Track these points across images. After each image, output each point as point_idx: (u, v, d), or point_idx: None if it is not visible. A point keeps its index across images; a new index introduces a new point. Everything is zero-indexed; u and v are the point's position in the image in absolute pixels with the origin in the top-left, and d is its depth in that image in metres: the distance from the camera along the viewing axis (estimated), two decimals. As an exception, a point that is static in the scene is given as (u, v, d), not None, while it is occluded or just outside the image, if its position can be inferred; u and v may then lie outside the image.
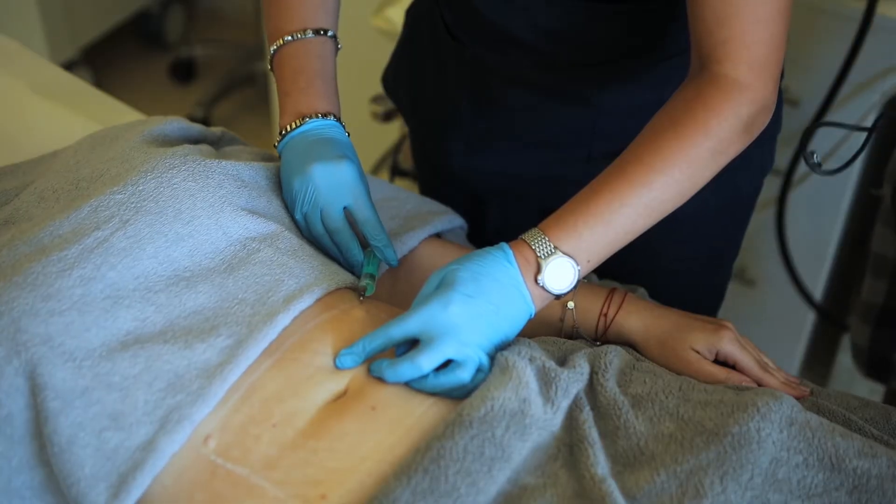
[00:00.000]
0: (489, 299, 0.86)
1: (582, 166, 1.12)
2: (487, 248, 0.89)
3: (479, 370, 0.85)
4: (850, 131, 1.56)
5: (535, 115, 1.11)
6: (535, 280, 0.88)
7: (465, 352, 0.84)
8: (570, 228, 0.88)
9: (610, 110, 1.08)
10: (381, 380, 0.85)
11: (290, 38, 1.05)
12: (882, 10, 1.47)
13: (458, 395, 0.85)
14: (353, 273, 0.99)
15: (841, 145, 1.58)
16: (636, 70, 1.07)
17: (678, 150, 0.89)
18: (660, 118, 0.91)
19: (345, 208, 0.98)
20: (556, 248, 0.88)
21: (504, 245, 0.89)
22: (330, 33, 1.06)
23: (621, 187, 0.89)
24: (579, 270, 0.88)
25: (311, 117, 1.01)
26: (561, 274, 0.88)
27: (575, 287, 0.89)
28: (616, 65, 1.07)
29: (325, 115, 1.01)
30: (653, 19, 1.03)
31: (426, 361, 0.83)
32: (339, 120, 1.02)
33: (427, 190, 1.33)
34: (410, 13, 1.25)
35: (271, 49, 1.06)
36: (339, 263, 1.00)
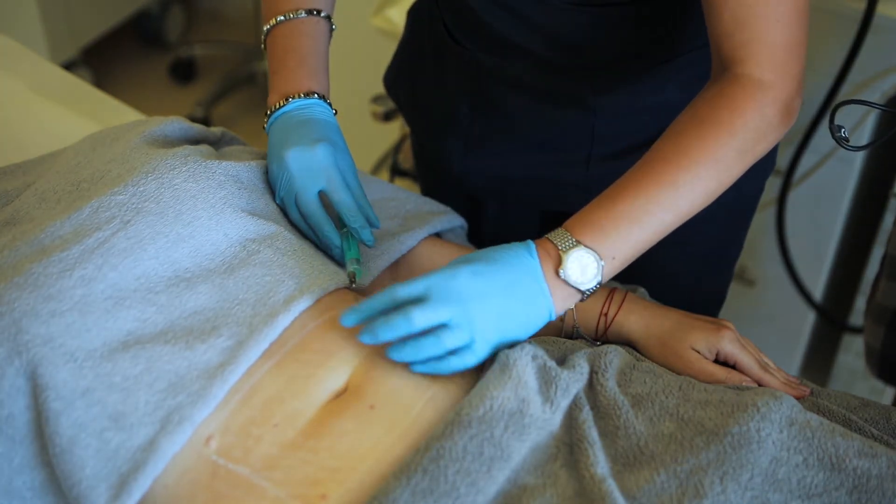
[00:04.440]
0: (499, 279, 0.84)
1: (581, 169, 1.12)
2: (510, 243, 0.88)
3: (468, 349, 0.84)
4: (855, 124, 1.56)
5: (533, 117, 1.11)
6: (557, 274, 0.86)
7: (460, 319, 0.82)
8: (594, 224, 0.87)
9: (608, 113, 1.08)
10: (378, 375, 0.85)
11: (282, 17, 1.05)
12: (882, 10, 1.47)
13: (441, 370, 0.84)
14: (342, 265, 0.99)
15: (850, 134, 1.58)
16: (634, 74, 1.07)
17: (704, 150, 0.88)
18: (684, 118, 0.91)
19: (321, 192, 0.98)
20: (578, 241, 0.86)
21: (528, 241, 0.88)
22: (323, 14, 1.06)
23: (648, 186, 0.88)
24: (603, 266, 0.86)
25: (294, 97, 1.01)
26: (583, 267, 0.86)
27: (599, 285, 0.87)
28: (614, 68, 1.06)
29: (308, 95, 1.01)
30: (649, 23, 1.02)
31: (419, 317, 0.82)
32: (324, 98, 1.02)
33: (427, 190, 1.33)
34: (412, 13, 1.25)
35: (265, 29, 1.06)
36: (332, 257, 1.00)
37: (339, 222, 1.00)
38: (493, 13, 1.06)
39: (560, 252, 0.86)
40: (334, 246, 0.99)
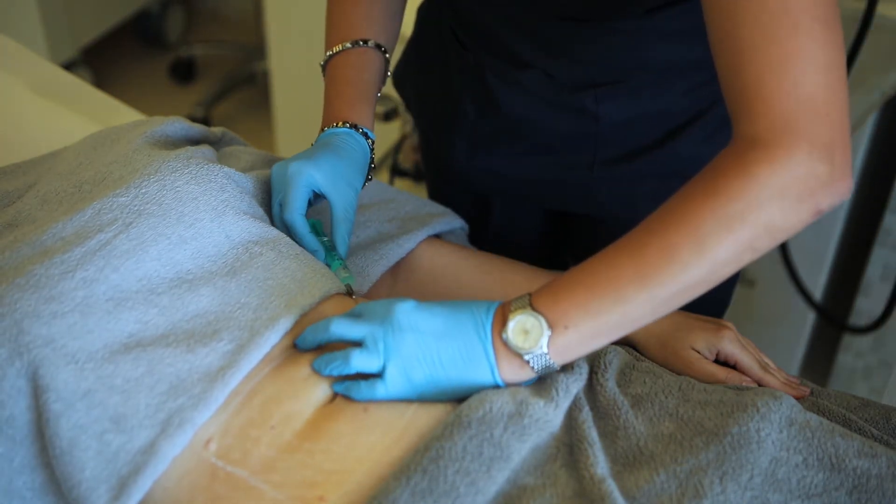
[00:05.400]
0: (442, 321, 0.82)
1: (585, 171, 1.12)
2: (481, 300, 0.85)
3: (380, 379, 0.81)
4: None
5: (537, 122, 1.11)
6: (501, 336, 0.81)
7: (374, 341, 0.81)
8: (553, 289, 0.81)
9: (611, 120, 1.08)
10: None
11: (330, 52, 1.08)
12: (882, 10, 1.47)
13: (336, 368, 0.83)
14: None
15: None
16: (634, 83, 1.06)
17: (676, 212, 0.78)
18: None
19: (309, 202, 0.99)
20: (531, 305, 0.80)
21: (498, 301, 0.84)
22: (371, 43, 1.08)
23: (609, 251, 0.81)
24: (550, 335, 0.79)
25: (328, 127, 1.03)
26: (526, 331, 0.80)
27: (548, 358, 0.81)
28: (616, 79, 1.06)
29: (340, 125, 1.03)
30: (653, 37, 1.02)
31: (338, 325, 0.83)
32: (355, 126, 1.03)
33: (433, 187, 1.34)
34: (421, 12, 1.25)
35: (320, 65, 1.10)
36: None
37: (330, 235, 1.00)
38: (497, 25, 1.06)
39: (509, 313, 0.81)
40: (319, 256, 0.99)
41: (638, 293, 0.78)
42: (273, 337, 0.85)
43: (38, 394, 0.80)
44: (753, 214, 0.75)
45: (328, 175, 0.98)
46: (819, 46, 0.75)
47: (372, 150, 1.05)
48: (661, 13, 0.98)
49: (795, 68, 0.75)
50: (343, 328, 0.83)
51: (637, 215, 0.99)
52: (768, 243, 0.77)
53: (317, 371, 0.84)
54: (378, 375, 0.82)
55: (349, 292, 0.95)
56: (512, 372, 0.82)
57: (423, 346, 0.82)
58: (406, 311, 0.83)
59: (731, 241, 0.76)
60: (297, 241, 0.98)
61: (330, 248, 0.99)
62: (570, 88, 1.07)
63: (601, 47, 1.03)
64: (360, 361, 0.82)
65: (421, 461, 0.77)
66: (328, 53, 1.09)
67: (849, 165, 0.78)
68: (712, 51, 0.80)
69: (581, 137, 1.10)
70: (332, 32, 1.10)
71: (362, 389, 0.82)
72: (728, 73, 0.79)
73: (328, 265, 0.98)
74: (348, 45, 1.08)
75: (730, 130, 0.80)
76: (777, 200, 0.75)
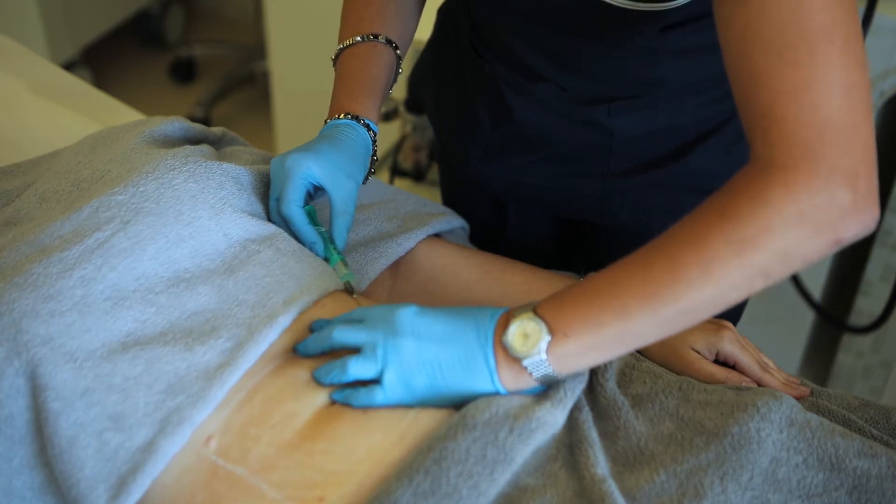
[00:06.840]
0: (443, 327, 0.82)
1: (597, 181, 1.12)
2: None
3: (379, 385, 0.81)
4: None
5: (551, 133, 1.10)
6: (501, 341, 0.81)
7: (371, 348, 0.82)
8: (559, 297, 0.81)
9: (625, 134, 1.07)
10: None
11: (341, 46, 1.08)
12: (882, 10, 1.47)
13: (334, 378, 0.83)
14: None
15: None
16: (648, 98, 1.05)
17: (687, 231, 0.76)
18: None
19: (308, 195, 0.99)
20: (534, 310, 0.80)
21: (505, 307, 0.83)
22: (381, 37, 1.08)
23: (618, 265, 0.79)
24: (549, 340, 0.79)
25: (330, 119, 1.03)
26: (526, 335, 0.79)
27: (548, 366, 0.80)
28: (629, 96, 1.05)
29: (342, 116, 1.03)
30: (658, 53, 1.01)
31: (339, 332, 0.83)
32: (355, 117, 1.03)
33: (447, 189, 1.33)
34: (441, 13, 1.25)
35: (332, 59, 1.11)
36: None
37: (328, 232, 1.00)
38: (512, 38, 1.06)
39: (512, 318, 0.80)
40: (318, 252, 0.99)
41: (640, 308, 0.76)
42: (271, 334, 0.85)
43: (36, 393, 0.80)
44: (766, 240, 0.73)
45: (326, 167, 0.97)
46: (837, 68, 0.73)
47: (374, 142, 1.05)
48: (676, 31, 0.97)
49: (812, 92, 0.73)
50: (345, 335, 0.83)
51: (650, 227, 0.99)
52: (782, 271, 0.75)
53: (317, 380, 0.84)
54: (377, 382, 0.82)
55: (349, 290, 0.95)
56: (512, 380, 0.82)
57: (422, 352, 0.81)
58: (407, 317, 0.82)
59: (739, 266, 0.74)
60: (295, 234, 0.98)
61: (329, 240, 0.99)
62: (584, 102, 1.06)
63: (615, 63, 1.02)
64: (356, 369, 0.82)
65: (424, 462, 0.77)
66: (338, 47, 1.09)
67: (874, 193, 0.75)
68: (728, 73, 0.79)
69: (595, 149, 1.09)
70: (344, 28, 1.10)
71: (361, 396, 0.82)
72: (744, 96, 0.77)
73: (327, 259, 0.97)
74: (358, 38, 1.08)
75: (745, 146, 0.79)
76: (793, 228, 0.73)
